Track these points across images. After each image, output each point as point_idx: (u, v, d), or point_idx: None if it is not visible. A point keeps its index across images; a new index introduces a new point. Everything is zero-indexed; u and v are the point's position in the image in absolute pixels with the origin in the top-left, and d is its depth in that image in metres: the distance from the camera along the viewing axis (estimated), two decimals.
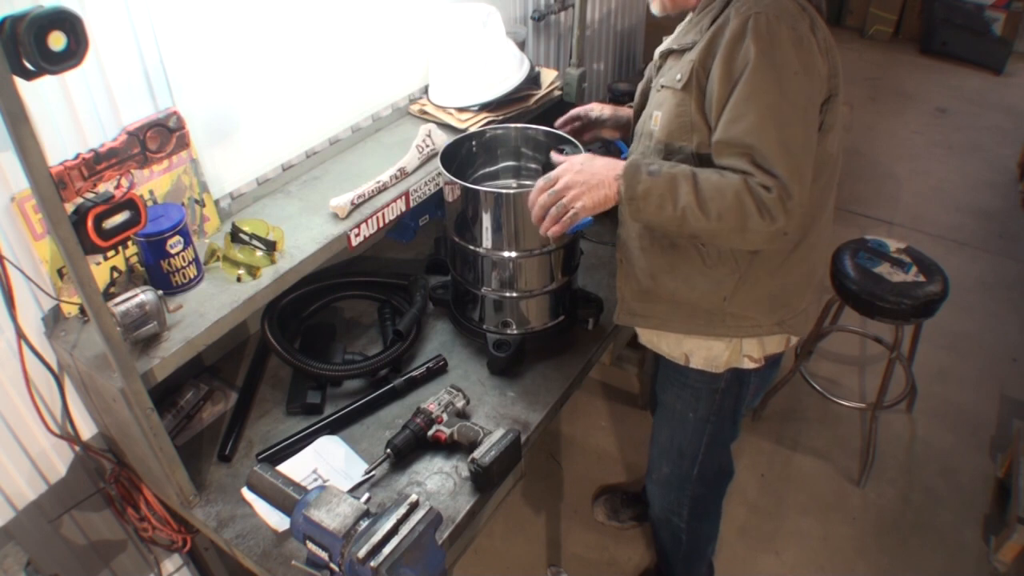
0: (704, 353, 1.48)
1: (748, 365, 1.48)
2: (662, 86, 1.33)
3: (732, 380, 1.51)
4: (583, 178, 1.28)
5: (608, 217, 2.04)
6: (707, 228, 1.20)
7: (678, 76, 1.27)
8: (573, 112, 1.73)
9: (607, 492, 2.41)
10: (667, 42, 1.39)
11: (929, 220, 3.78)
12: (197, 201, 1.47)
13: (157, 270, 1.33)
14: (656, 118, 1.33)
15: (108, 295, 1.29)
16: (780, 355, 1.54)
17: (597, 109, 1.71)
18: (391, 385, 1.58)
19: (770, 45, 1.15)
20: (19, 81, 0.87)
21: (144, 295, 1.22)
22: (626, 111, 1.69)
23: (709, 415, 1.57)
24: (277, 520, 1.33)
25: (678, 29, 1.38)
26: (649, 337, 1.58)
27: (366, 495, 1.37)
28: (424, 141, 1.73)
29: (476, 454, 1.36)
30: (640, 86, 1.53)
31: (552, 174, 1.31)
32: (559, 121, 1.73)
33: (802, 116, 1.18)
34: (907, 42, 5.72)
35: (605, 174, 1.27)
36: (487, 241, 1.55)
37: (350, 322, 1.82)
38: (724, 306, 1.39)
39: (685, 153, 1.29)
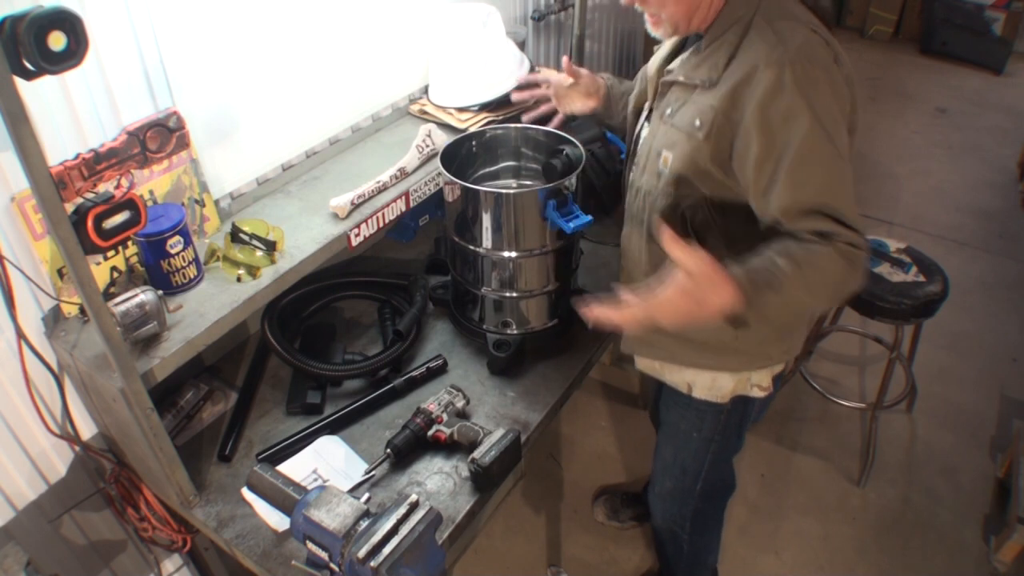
0: (708, 384, 1.45)
1: (756, 394, 1.46)
2: (673, 124, 1.24)
3: (738, 402, 1.48)
4: (694, 290, 1.06)
5: (608, 216, 2.05)
6: (817, 308, 1.18)
7: (696, 122, 1.18)
8: (532, 77, 1.65)
9: (607, 492, 2.41)
10: (673, 71, 1.27)
11: (929, 220, 3.78)
12: (197, 201, 1.47)
13: (157, 270, 1.32)
14: (666, 159, 1.25)
15: (108, 295, 1.29)
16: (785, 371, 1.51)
17: (557, 77, 1.63)
18: (391, 385, 1.58)
19: (815, 96, 1.09)
20: (19, 81, 0.87)
21: (144, 295, 1.22)
22: (602, 78, 1.63)
23: (714, 435, 1.55)
24: (277, 520, 1.33)
25: (682, 59, 1.27)
26: (649, 365, 1.54)
27: (366, 495, 1.37)
28: (424, 141, 1.73)
29: (476, 454, 1.35)
30: (633, 99, 1.48)
31: (663, 297, 1.06)
32: (521, 80, 1.66)
33: (849, 163, 1.14)
34: (907, 42, 5.71)
35: (723, 305, 1.06)
36: (487, 241, 1.55)
37: (350, 322, 1.82)
38: (735, 343, 1.35)
39: (696, 198, 1.24)
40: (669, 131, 1.25)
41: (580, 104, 1.65)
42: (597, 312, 1.12)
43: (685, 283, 1.05)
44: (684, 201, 1.26)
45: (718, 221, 1.26)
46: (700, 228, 1.27)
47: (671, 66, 1.29)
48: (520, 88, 1.70)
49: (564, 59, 1.63)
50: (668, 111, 1.26)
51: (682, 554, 1.86)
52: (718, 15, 1.19)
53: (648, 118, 1.38)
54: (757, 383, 1.45)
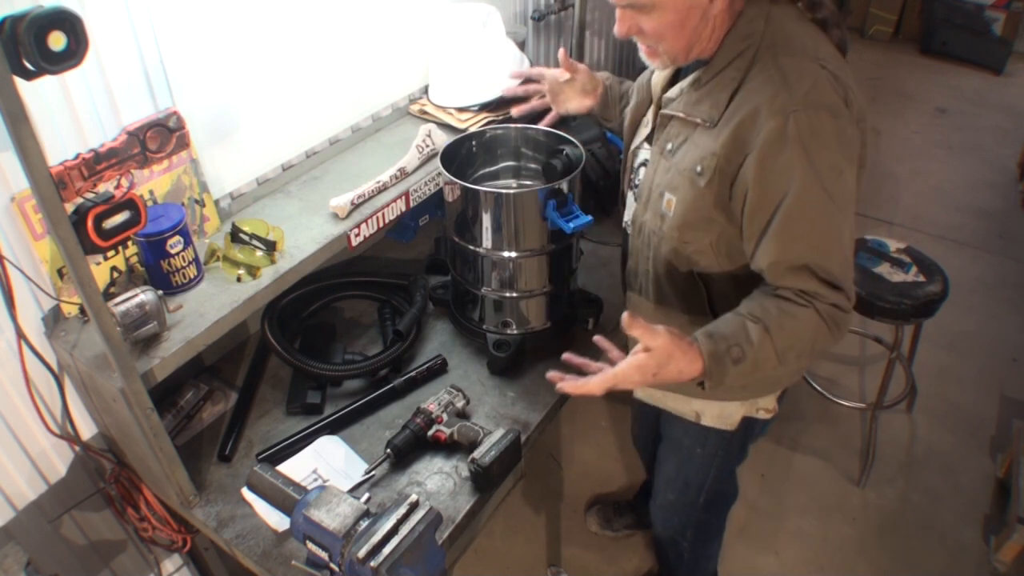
0: (717, 413, 1.44)
1: (763, 416, 1.45)
2: (674, 164, 1.20)
3: (744, 423, 1.47)
4: (653, 364, 1.07)
5: (608, 216, 2.05)
6: (785, 372, 1.22)
7: (698, 168, 1.14)
8: (525, 72, 1.63)
9: (599, 502, 2.40)
10: (672, 103, 1.22)
11: (929, 220, 3.78)
12: (197, 201, 1.47)
13: (157, 270, 1.32)
14: (670, 203, 1.21)
15: (108, 295, 1.29)
16: None
17: (553, 73, 1.60)
18: (391, 385, 1.58)
19: (816, 149, 1.05)
20: (19, 81, 0.87)
21: (144, 295, 1.22)
22: (601, 77, 1.59)
23: (718, 450, 1.53)
24: (277, 520, 1.33)
25: (682, 88, 1.21)
26: (650, 394, 1.52)
27: (366, 495, 1.37)
28: (424, 141, 1.73)
29: (476, 454, 1.35)
30: (630, 111, 1.42)
31: (618, 371, 1.08)
32: (514, 74, 1.65)
33: (849, 214, 1.11)
34: (907, 42, 5.71)
35: (681, 374, 1.08)
36: (487, 241, 1.55)
37: (350, 322, 1.82)
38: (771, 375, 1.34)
39: (701, 243, 1.21)
40: (671, 171, 1.21)
41: (576, 102, 1.62)
42: (567, 385, 1.12)
43: (643, 360, 1.05)
44: (688, 246, 1.22)
45: (724, 265, 1.23)
46: (705, 272, 1.25)
47: (670, 94, 1.24)
48: (515, 77, 1.67)
49: (560, 51, 1.58)
50: (669, 146, 1.22)
51: (683, 561, 1.86)
52: (720, 45, 1.14)
53: (649, 139, 1.33)
54: (763, 406, 1.43)
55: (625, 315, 1.05)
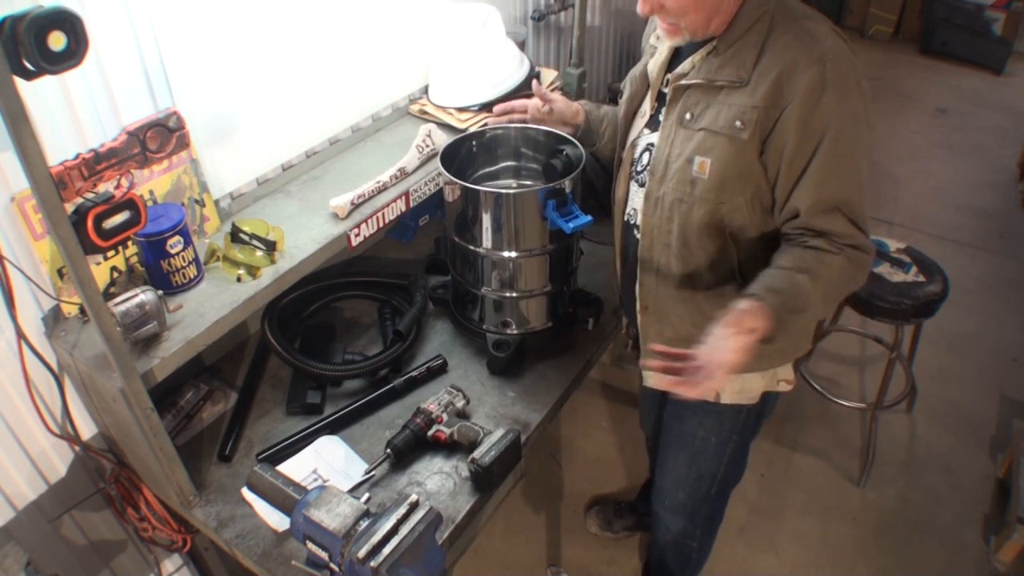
0: (738, 387, 1.43)
1: (783, 388, 1.46)
2: (703, 128, 1.22)
3: (762, 397, 1.47)
4: (747, 333, 1.10)
5: (608, 216, 2.05)
6: (826, 311, 1.28)
7: (738, 123, 1.19)
8: (508, 105, 1.69)
9: (599, 503, 2.40)
10: (687, 75, 1.25)
11: (929, 220, 3.78)
12: (197, 201, 1.47)
13: (157, 270, 1.32)
14: (703, 165, 1.23)
15: (108, 295, 1.29)
16: None
17: (535, 103, 1.64)
18: (391, 385, 1.58)
19: (846, 95, 1.14)
20: (19, 81, 0.87)
21: (144, 295, 1.22)
22: (579, 105, 1.64)
23: (732, 435, 1.53)
24: (277, 520, 1.33)
25: (693, 61, 1.25)
26: (661, 380, 1.48)
27: (366, 495, 1.37)
28: (424, 141, 1.73)
29: (476, 454, 1.36)
30: (624, 104, 1.45)
31: (724, 360, 1.08)
32: (497, 108, 1.71)
33: (868, 159, 1.19)
34: (907, 42, 5.72)
35: (760, 335, 1.11)
36: (487, 241, 1.55)
37: (350, 322, 1.82)
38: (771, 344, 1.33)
39: (736, 202, 1.24)
40: (697, 136, 1.24)
41: (558, 130, 1.65)
42: (681, 387, 1.08)
43: (735, 341, 1.08)
44: (724, 207, 1.25)
45: (756, 222, 1.27)
46: (737, 231, 1.28)
47: (681, 69, 1.28)
48: (498, 113, 1.73)
49: (534, 83, 1.68)
50: (688, 116, 1.25)
51: (689, 562, 1.85)
52: (734, 18, 1.20)
53: (650, 125, 1.36)
54: (784, 377, 1.45)
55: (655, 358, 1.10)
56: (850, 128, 1.15)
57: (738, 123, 1.19)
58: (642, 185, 1.36)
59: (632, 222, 1.42)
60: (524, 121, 1.70)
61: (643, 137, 1.37)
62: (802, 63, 1.13)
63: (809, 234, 1.20)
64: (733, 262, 1.31)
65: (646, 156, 1.36)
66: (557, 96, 1.66)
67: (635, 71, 1.44)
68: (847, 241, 1.18)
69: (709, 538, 1.82)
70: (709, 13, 1.18)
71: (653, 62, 1.37)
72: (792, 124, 1.15)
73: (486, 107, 1.90)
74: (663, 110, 1.31)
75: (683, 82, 1.26)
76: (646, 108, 1.38)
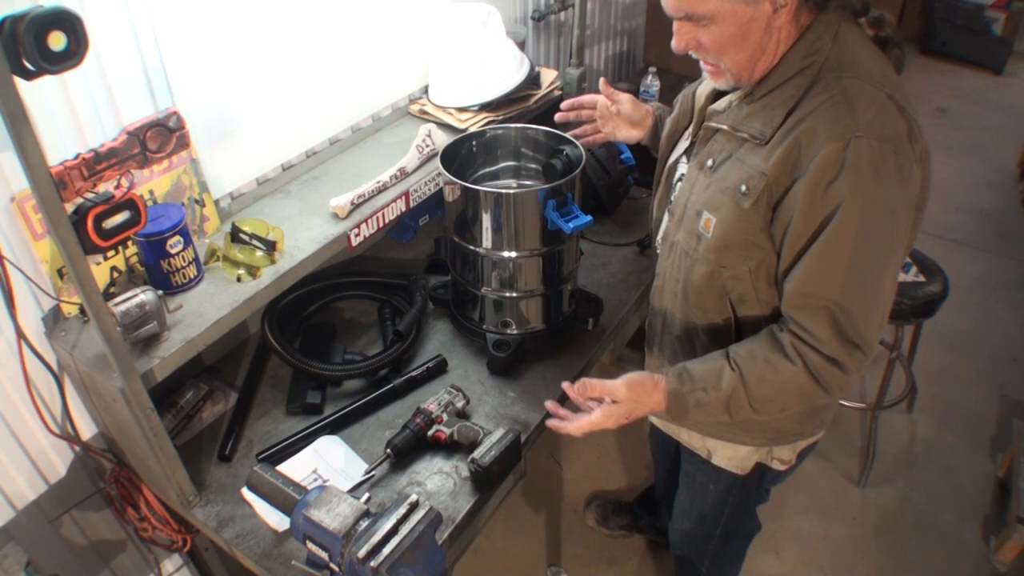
0: (729, 454, 1.38)
1: (777, 467, 1.38)
2: (715, 181, 1.13)
3: (758, 468, 1.41)
4: (623, 411, 1.18)
5: (608, 216, 2.05)
6: (769, 419, 1.23)
7: (743, 188, 1.06)
8: (576, 100, 1.55)
9: (599, 498, 2.41)
10: (719, 115, 1.14)
11: (929, 220, 3.75)
12: (197, 201, 1.47)
13: (157, 270, 1.32)
14: (708, 223, 1.13)
15: (108, 295, 1.29)
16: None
17: (604, 100, 1.51)
18: (391, 385, 1.58)
19: (872, 181, 0.97)
20: (19, 81, 0.87)
21: (144, 295, 1.22)
22: (649, 108, 1.53)
23: (731, 490, 1.47)
24: (277, 520, 1.33)
25: (730, 101, 1.13)
26: (665, 424, 1.50)
27: (366, 495, 1.37)
28: (424, 141, 1.73)
29: (476, 454, 1.35)
30: (669, 123, 1.34)
31: (594, 419, 1.19)
32: (565, 104, 1.57)
33: (894, 261, 1.02)
34: (907, 42, 5.71)
35: (653, 410, 1.18)
36: (487, 241, 1.55)
37: (350, 322, 1.82)
38: (773, 422, 1.28)
39: (739, 269, 1.12)
40: (711, 189, 1.13)
41: (625, 132, 1.54)
42: (552, 423, 1.27)
43: (612, 410, 1.19)
44: (725, 271, 1.14)
45: (761, 295, 1.15)
46: (739, 300, 1.17)
47: (717, 106, 1.16)
48: (566, 108, 1.60)
49: (601, 81, 1.52)
50: (710, 162, 1.15)
51: None
52: (780, 60, 1.06)
53: (687, 153, 1.26)
54: (778, 456, 1.36)
55: (576, 385, 1.18)
56: (864, 222, 0.98)
57: (743, 187, 1.06)
58: (670, 217, 1.27)
59: (658, 249, 1.36)
60: (592, 119, 1.57)
61: (680, 165, 1.28)
62: (823, 135, 0.98)
63: (787, 325, 1.08)
64: (730, 329, 1.21)
65: (678, 187, 1.26)
66: (625, 96, 1.52)
67: (688, 90, 1.32)
68: (822, 349, 1.02)
69: (720, 569, 1.77)
70: (751, 55, 1.04)
71: (704, 87, 1.24)
72: (799, 201, 1.01)
73: (486, 107, 1.90)
74: (695, 145, 1.21)
75: (712, 124, 1.15)
76: (689, 133, 1.27)
